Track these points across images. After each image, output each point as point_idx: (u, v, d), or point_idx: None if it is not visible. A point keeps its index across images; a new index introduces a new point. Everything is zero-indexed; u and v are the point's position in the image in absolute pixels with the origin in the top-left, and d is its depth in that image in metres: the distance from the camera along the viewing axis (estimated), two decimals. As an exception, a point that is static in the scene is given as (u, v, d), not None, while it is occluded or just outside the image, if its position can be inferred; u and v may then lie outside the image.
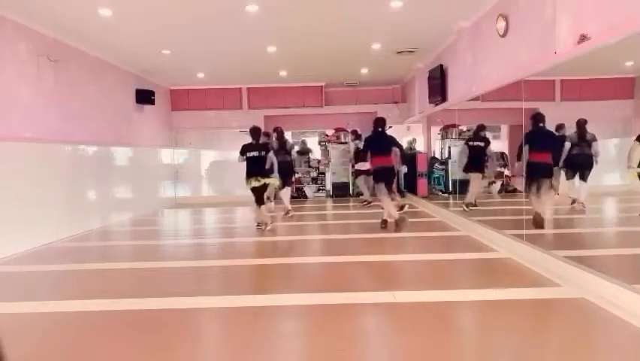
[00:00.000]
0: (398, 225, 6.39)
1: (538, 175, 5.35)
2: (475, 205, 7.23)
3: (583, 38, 3.95)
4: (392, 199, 6.70)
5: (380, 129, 6.66)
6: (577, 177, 5.63)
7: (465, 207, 7.21)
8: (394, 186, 6.85)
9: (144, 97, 9.82)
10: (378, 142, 6.65)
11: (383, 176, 6.56)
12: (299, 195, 12.10)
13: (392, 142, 6.67)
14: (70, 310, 3.53)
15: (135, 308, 3.52)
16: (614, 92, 5.36)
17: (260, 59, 8.95)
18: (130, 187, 9.24)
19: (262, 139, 7.15)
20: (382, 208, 6.77)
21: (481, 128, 7.49)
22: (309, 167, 12.38)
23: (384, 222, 6.71)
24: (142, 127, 10.08)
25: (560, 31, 4.40)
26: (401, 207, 7.01)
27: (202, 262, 5.21)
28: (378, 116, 7.21)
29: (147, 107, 10.17)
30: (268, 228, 6.80)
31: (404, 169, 8.74)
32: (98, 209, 7.97)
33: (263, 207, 6.90)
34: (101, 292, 4.00)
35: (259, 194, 6.82)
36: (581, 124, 5.48)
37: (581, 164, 5.44)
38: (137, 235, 7.50)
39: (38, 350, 2.85)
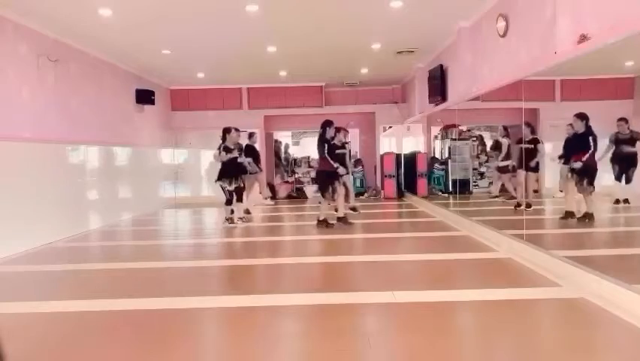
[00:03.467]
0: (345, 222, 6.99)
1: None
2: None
3: (583, 38, 3.95)
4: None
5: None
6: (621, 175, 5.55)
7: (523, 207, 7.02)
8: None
9: (144, 97, 9.81)
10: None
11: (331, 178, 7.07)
12: (299, 195, 12.11)
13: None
14: (70, 309, 3.53)
15: (135, 308, 3.52)
16: (614, 92, 5.37)
17: (260, 59, 8.95)
18: (130, 187, 9.24)
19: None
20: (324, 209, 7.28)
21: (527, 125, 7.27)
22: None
23: (325, 221, 7.06)
24: (142, 127, 10.08)
25: (559, 32, 4.40)
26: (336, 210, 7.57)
27: (201, 262, 5.21)
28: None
29: (147, 107, 10.16)
30: (240, 223, 7.56)
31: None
32: (98, 209, 7.97)
33: (240, 204, 7.71)
34: (101, 292, 4.00)
35: (240, 192, 7.62)
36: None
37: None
38: (136, 235, 7.50)
39: (38, 349, 2.85)
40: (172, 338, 2.95)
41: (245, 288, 4.20)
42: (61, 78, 6.98)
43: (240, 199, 7.68)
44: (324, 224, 6.96)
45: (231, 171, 7.45)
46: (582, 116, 5.25)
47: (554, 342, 2.78)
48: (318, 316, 3.28)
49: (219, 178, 7.44)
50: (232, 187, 7.45)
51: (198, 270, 4.86)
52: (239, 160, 7.66)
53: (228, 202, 7.54)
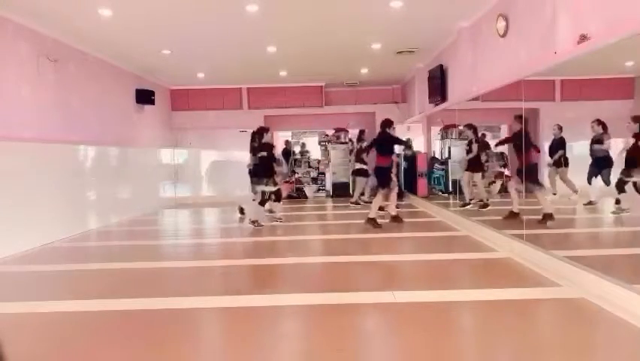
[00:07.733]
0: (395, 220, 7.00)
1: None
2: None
3: (583, 38, 3.95)
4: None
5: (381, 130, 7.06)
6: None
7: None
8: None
9: (144, 97, 9.81)
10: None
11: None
12: (299, 195, 12.11)
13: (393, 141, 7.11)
14: (69, 310, 3.53)
15: (135, 308, 3.52)
16: (614, 92, 5.36)
17: (260, 59, 8.95)
18: (130, 187, 9.23)
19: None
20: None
21: (469, 127, 7.50)
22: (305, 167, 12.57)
23: (374, 220, 6.90)
24: (142, 127, 10.08)
25: (559, 32, 4.40)
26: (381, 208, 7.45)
27: (202, 262, 5.21)
28: (385, 116, 7.48)
29: (147, 107, 10.16)
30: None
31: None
32: (98, 209, 7.97)
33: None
34: (101, 292, 4.00)
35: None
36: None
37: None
38: (136, 235, 7.50)
39: (38, 349, 2.85)
40: (172, 338, 2.94)
41: (245, 288, 4.20)
42: (61, 78, 6.98)
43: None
44: (372, 223, 6.81)
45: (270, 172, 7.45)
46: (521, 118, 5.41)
47: (554, 342, 2.78)
48: (318, 316, 3.28)
49: (267, 182, 7.35)
50: (275, 188, 7.48)
51: (198, 270, 4.86)
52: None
53: (263, 203, 7.53)
